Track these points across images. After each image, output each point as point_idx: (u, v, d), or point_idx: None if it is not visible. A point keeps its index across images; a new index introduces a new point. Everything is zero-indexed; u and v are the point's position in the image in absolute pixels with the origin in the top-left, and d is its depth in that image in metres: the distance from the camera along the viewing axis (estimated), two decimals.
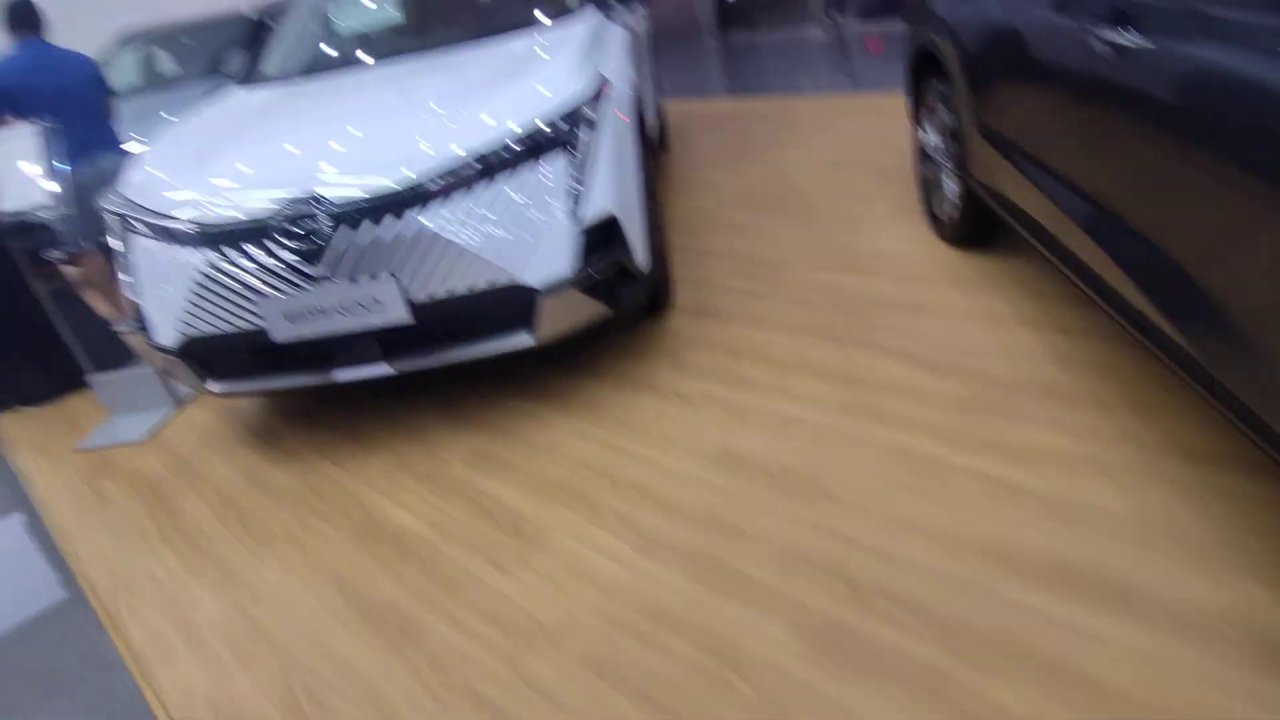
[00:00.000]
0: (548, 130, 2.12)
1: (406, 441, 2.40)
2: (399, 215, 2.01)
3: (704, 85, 7.35)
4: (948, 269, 2.74)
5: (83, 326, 3.02)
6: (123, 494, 2.53)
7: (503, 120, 2.12)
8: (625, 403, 2.36)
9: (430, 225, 2.01)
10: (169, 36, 6.06)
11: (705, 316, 2.79)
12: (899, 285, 2.71)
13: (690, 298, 2.95)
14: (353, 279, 2.04)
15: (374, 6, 3.30)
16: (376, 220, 2.01)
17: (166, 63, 6.01)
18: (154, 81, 5.79)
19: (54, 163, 2.77)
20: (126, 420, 2.99)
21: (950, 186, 2.81)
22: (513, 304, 2.16)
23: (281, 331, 2.12)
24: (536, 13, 2.98)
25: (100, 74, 3.55)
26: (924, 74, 2.93)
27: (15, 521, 2.61)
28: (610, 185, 2.19)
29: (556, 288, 2.11)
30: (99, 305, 3.11)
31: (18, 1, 3.29)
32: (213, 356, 2.30)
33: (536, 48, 2.59)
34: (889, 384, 2.16)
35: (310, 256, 2.04)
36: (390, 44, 3.20)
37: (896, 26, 7.83)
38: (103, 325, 3.05)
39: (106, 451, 2.84)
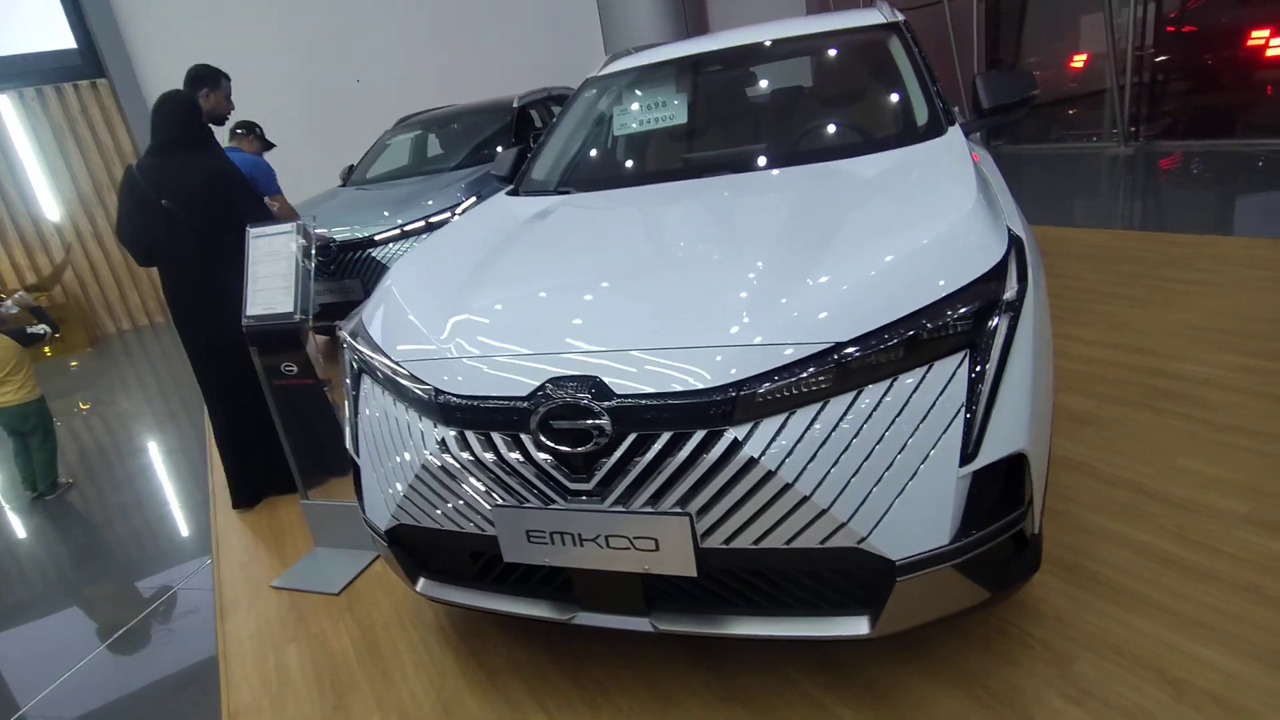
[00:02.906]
0: (946, 319, 1.38)
1: (649, 712, 1.71)
2: (709, 429, 1.36)
3: None
4: None
5: (303, 444, 2.74)
6: (303, 677, 2.07)
7: (872, 296, 1.43)
8: None
9: (750, 450, 1.34)
10: (439, 121, 6.31)
11: (1086, 585, 1.87)
12: None
13: (1048, 538, 2.04)
14: (626, 505, 1.42)
15: (673, 109, 2.69)
16: (676, 431, 1.38)
17: (435, 147, 6.24)
18: (421, 165, 6.00)
19: (303, 264, 2.54)
20: (328, 557, 2.63)
21: None
22: (850, 575, 1.43)
23: (516, 551, 1.55)
24: (893, 130, 2.30)
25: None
26: None
27: (193, 679, 2.26)
28: (1025, 406, 1.40)
29: (924, 563, 1.35)
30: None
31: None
32: (427, 552, 1.80)
33: (905, 182, 1.87)
34: None
35: (574, 464, 1.45)
36: (696, 158, 2.64)
37: (1210, 147, 6.43)
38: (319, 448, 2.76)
39: (300, 598, 2.46)
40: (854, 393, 1.36)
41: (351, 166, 6.29)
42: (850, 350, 1.36)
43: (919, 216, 1.62)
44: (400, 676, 1.98)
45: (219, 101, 3.53)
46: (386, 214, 4.77)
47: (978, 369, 1.38)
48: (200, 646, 2.35)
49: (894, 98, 2.40)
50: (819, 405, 1.35)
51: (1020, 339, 1.43)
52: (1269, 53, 8.78)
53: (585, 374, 1.45)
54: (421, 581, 1.80)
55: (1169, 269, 3.89)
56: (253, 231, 2.69)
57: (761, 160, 2.28)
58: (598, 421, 1.40)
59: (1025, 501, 1.44)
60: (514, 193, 2.70)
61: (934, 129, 2.15)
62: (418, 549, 1.79)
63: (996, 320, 1.41)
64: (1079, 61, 9.62)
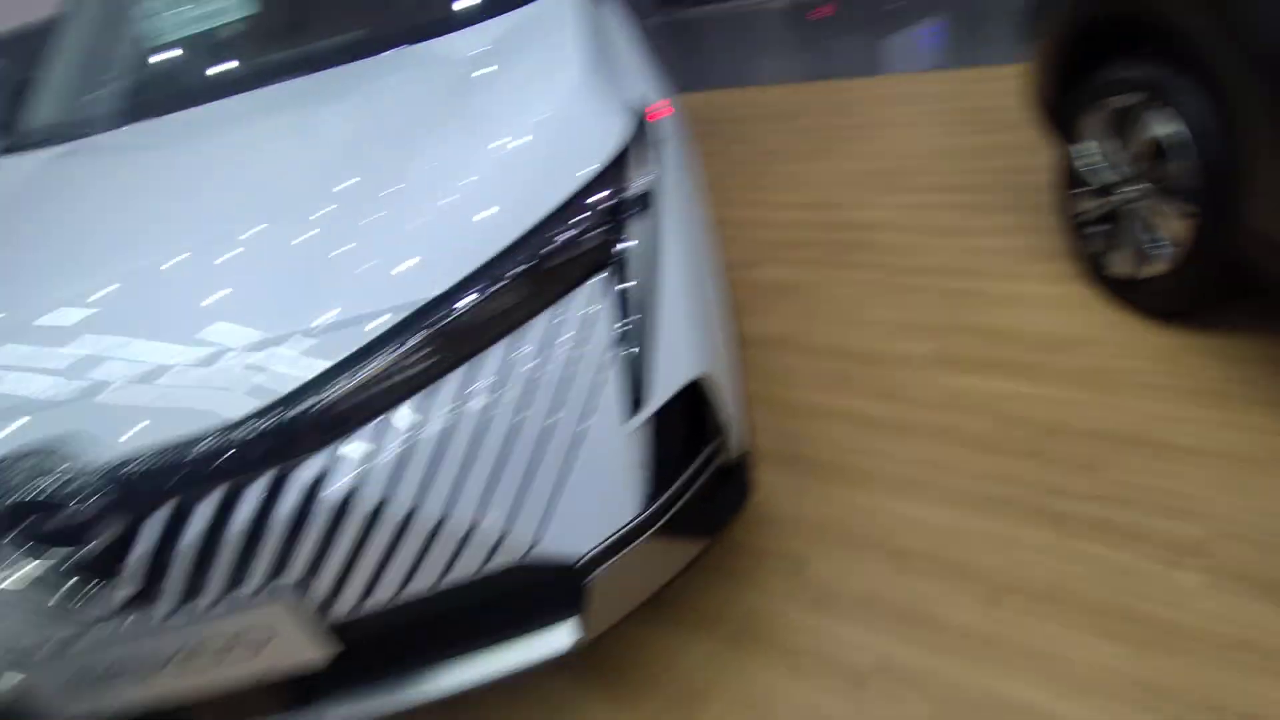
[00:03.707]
0: (560, 243, 1.08)
1: None
2: (270, 472, 0.95)
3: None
4: (1163, 361, 1.81)
5: None
6: None
7: (457, 235, 1.07)
8: (731, 679, 1.36)
9: (337, 486, 0.96)
10: None
11: (807, 473, 1.80)
12: (1099, 399, 1.76)
13: (766, 430, 1.96)
14: (195, 597, 0.98)
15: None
16: (229, 484, 0.95)
17: None
18: None
19: None
20: None
21: (1148, 232, 1.87)
22: (534, 591, 1.14)
23: (65, 706, 1.05)
24: None
25: None
26: (1086, 60, 1.98)
27: None
28: (692, 319, 1.17)
29: (616, 546, 1.10)
30: None
31: None
32: None
33: (495, 66, 1.47)
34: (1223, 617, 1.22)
35: (94, 566, 0.97)
36: (248, 61, 1.98)
37: None
38: None
39: None
40: (464, 367, 1.02)
41: None
42: (440, 313, 1.01)
43: (511, 113, 1.27)
44: None
45: None
46: None
47: (619, 292, 1.10)
48: None
49: None
50: (420, 396, 1.00)
51: (667, 238, 1.17)
52: None
53: (56, 438, 0.95)
54: None
55: (835, 117, 4.03)
56: None
57: (325, 58, 1.74)
58: (92, 505, 0.92)
59: (719, 430, 1.23)
60: (8, 151, 1.91)
61: None
62: None
63: (628, 224, 1.13)
64: None
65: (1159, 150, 1.76)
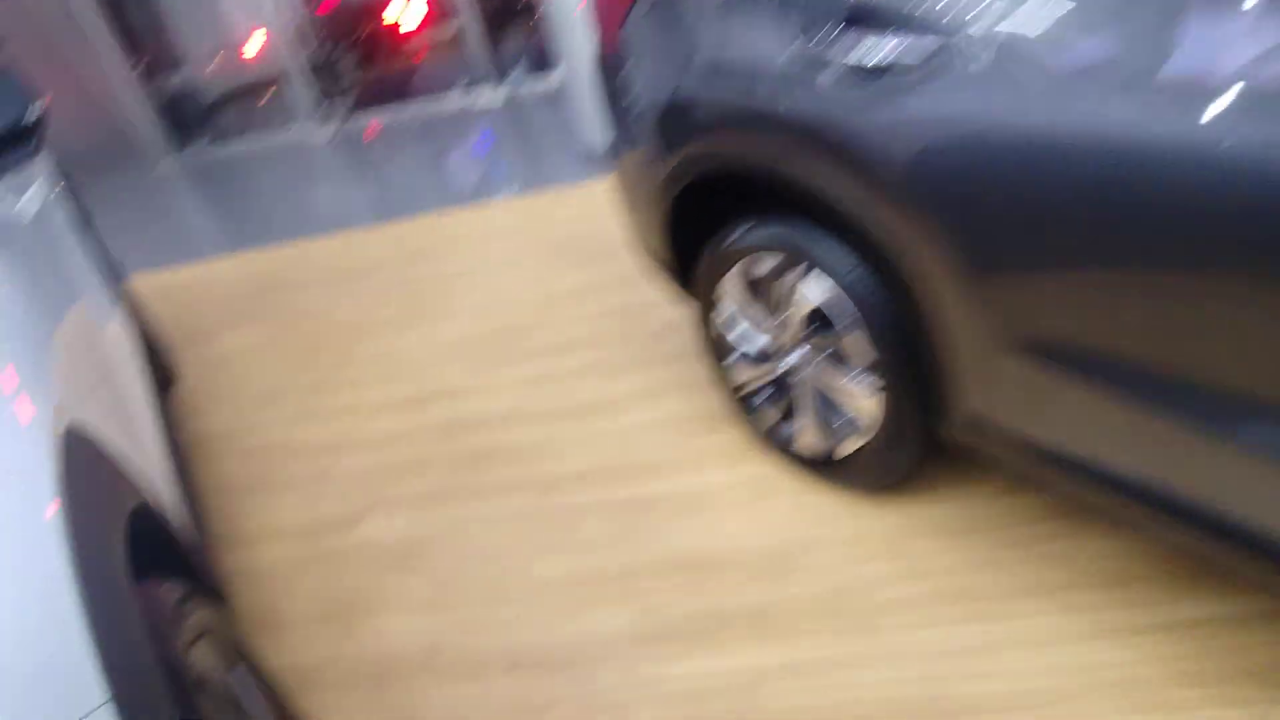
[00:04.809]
0: None
1: None
2: None
3: (180, 238, 4.73)
4: (899, 557, 1.45)
5: None
6: None
7: None
8: None
9: None
10: None
11: None
12: (864, 646, 1.32)
13: None
14: None
15: None
16: None
17: None
18: None
19: None
20: None
21: (831, 405, 1.52)
22: None
23: None
24: None
25: None
26: (704, 215, 1.58)
27: None
28: None
29: None
30: None
31: None
32: None
33: None
34: None
35: None
36: None
37: (397, 118, 6.47)
38: None
39: None
40: None
41: None
42: None
43: None
44: None
45: None
46: None
47: None
48: None
49: None
50: None
51: None
52: (402, 30, 9.57)
53: None
54: None
55: (415, 267, 3.35)
56: None
57: None
58: None
59: None
60: None
61: None
62: None
63: None
64: (252, 44, 8.76)
65: (817, 317, 1.41)
